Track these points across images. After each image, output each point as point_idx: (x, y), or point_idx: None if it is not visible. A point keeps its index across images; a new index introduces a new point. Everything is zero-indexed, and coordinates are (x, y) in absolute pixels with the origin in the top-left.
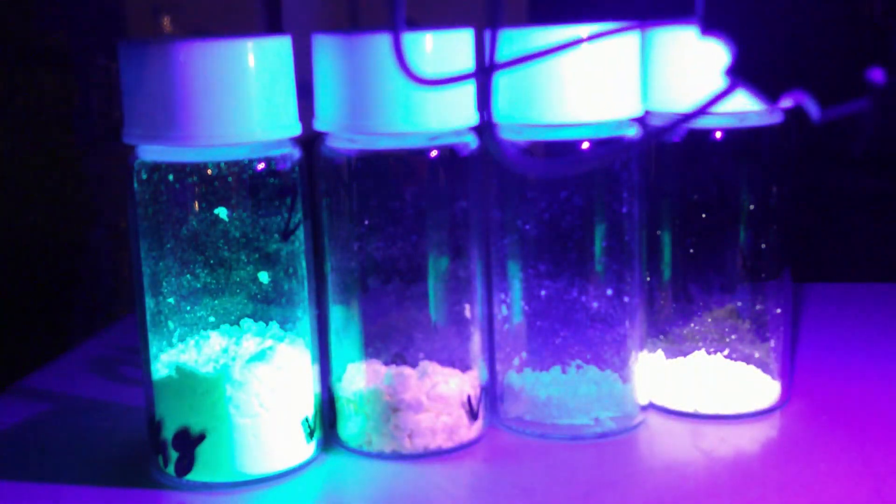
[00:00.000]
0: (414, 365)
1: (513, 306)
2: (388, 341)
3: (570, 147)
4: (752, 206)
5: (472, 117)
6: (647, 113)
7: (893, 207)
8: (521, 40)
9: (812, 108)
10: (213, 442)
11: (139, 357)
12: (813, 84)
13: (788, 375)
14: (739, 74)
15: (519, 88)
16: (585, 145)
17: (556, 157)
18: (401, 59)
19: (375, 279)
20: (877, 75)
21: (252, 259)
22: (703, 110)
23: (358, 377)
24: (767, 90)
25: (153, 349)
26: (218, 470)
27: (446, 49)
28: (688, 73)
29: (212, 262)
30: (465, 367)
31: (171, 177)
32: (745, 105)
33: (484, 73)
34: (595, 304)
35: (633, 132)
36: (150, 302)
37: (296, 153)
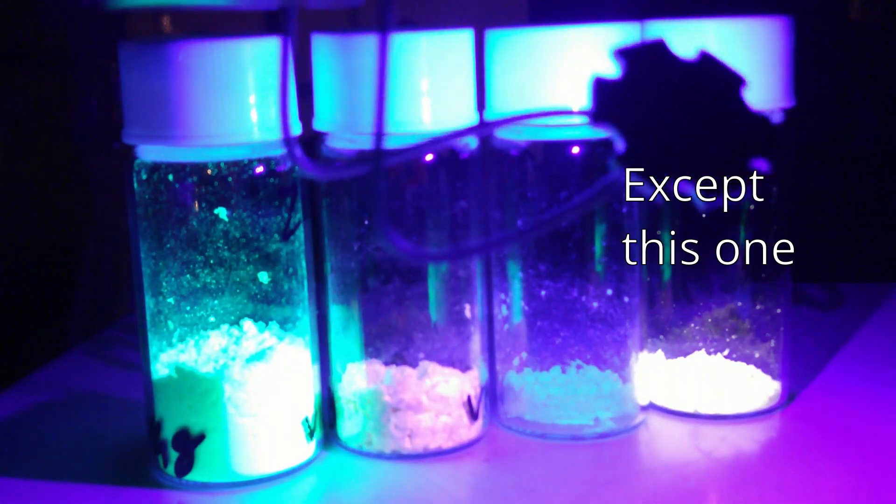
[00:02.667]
0: (414, 365)
1: (513, 306)
2: (388, 341)
3: (568, 147)
4: (752, 206)
5: (471, 118)
6: None
7: (893, 207)
8: (521, 41)
9: (697, 199)
10: (213, 442)
11: (139, 357)
12: (699, 174)
13: (788, 375)
14: (628, 164)
15: (518, 88)
16: (576, 150)
17: (453, 247)
18: (299, 154)
19: (375, 279)
20: (761, 165)
21: (252, 259)
22: (593, 201)
23: (358, 377)
24: (655, 180)
25: (153, 349)
26: (217, 470)
27: (446, 49)
28: None
29: (212, 262)
30: (465, 367)
31: (171, 177)
32: None
33: (376, 157)
34: (595, 304)
35: None
36: (149, 302)
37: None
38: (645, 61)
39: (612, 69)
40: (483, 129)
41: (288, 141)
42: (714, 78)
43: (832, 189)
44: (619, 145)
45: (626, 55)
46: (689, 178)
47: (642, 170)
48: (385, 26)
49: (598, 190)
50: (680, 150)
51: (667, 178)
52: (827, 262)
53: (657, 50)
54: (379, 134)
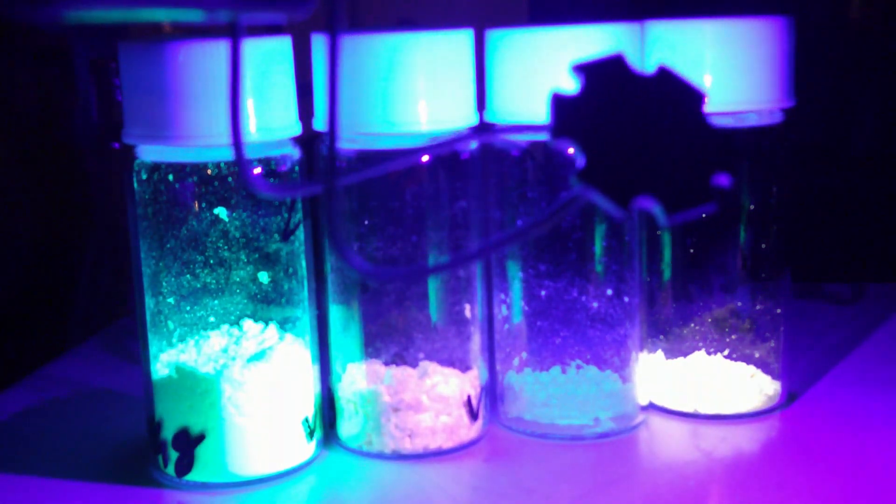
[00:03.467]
0: (414, 365)
1: (513, 306)
2: (388, 341)
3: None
4: (752, 206)
5: (471, 118)
6: None
7: (893, 207)
8: (521, 41)
9: (659, 214)
10: (213, 442)
11: (139, 357)
12: (660, 190)
13: (788, 375)
14: (589, 180)
15: (517, 87)
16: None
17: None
18: (242, 163)
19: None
20: (722, 180)
21: (252, 259)
22: (553, 218)
23: (358, 377)
24: (616, 196)
25: (153, 349)
26: (217, 470)
27: (446, 49)
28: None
29: (212, 262)
30: (465, 367)
31: (171, 177)
32: (744, 105)
33: (328, 175)
34: (595, 304)
35: None
36: (150, 302)
37: (296, 153)
38: (603, 77)
39: (571, 84)
40: (483, 135)
41: (238, 150)
42: (673, 93)
43: (832, 189)
44: (580, 161)
45: (585, 70)
46: (650, 194)
47: (604, 186)
48: (335, 28)
49: (560, 206)
50: (641, 166)
51: (628, 194)
52: (827, 262)
53: (615, 65)
54: (331, 152)
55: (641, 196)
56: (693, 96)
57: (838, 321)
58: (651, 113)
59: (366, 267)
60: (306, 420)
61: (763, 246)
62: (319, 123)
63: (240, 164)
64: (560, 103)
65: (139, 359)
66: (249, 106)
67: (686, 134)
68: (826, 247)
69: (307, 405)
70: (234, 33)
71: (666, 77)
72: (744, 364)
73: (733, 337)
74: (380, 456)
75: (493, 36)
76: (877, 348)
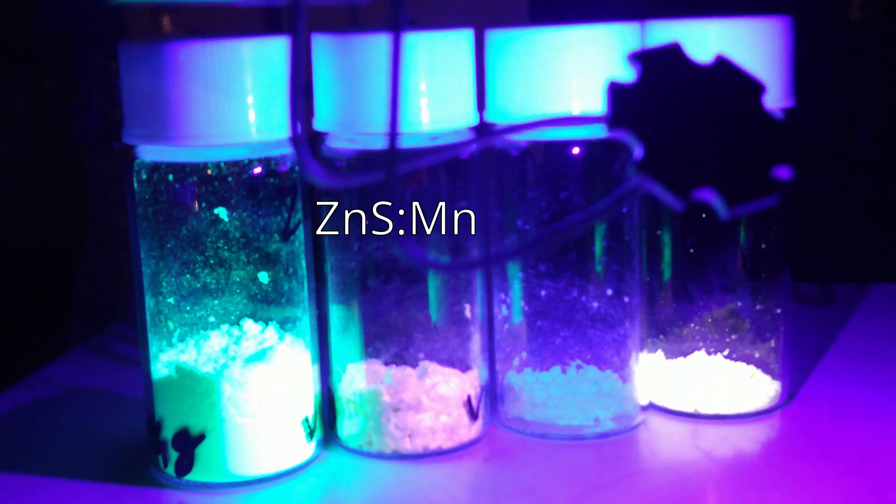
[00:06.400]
0: (414, 365)
1: (513, 306)
2: (388, 341)
3: (568, 147)
4: None
5: (471, 118)
6: None
7: (893, 207)
8: (521, 41)
9: (720, 207)
10: (213, 442)
11: (139, 357)
12: (719, 182)
13: (788, 375)
14: (647, 172)
15: (517, 87)
16: (576, 150)
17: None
18: (306, 158)
19: (375, 279)
20: (783, 173)
21: (252, 259)
22: (613, 208)
23: (358, 377)
24: (675, 188)
25: (153, 349)
26: (217, 470)
27: (446, 49)
28: None
29: (212, 262)
30: (465, 367)
31: (171, 177)
32: None
33: (389, 157)
34: (595, 304)
35: None
36: (150, 302)
37: None
38: (660, 65)
39: (626, 73)
40: (492, 136)
41: (296, 142)
42: (732, 83)
43: (832, 189)
44: (638, 151)
45: (641, 59)
46: (710, 185)
47: (662, 177)
48: (398, 25)
49: (619, 196)
50: (700, 157)
51: (688, 185)
52: (817, 261)
53: (672, 54)
54: (392, 137)
55: (701, 188)
56: (752, 87)
57: (825, 319)
58: (709, 103)
59: (426, 258)
60: (306, 420)
61: (763, 246)
62: (319, 123)
63: (300, 152)
64: (616, 92)
65: (138, 359)
66: (249, 106)
67: (745, 125)
68: (830, 247)
69: (307, 405)
70: (296, 15)
71: (724, 66)
72: (744, 364)
73: (733, 337)
74: (380, 456)
75: (493, 36)
76: (869, 347)
